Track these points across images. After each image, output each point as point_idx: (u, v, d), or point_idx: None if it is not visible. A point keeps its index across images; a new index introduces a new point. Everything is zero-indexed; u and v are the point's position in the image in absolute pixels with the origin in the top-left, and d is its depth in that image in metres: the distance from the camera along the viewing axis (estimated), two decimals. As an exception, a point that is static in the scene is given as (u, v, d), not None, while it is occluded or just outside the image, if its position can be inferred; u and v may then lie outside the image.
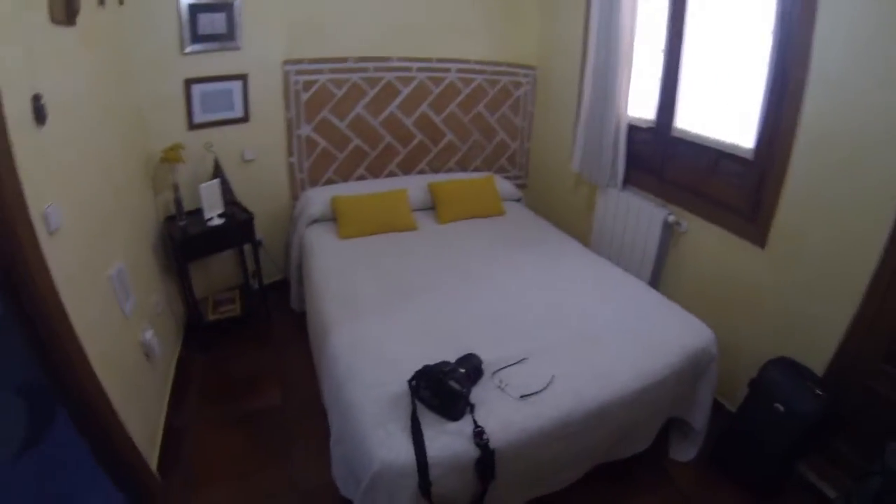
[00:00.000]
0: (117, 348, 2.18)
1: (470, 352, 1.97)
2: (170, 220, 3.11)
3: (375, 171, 3.78)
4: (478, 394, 1.84)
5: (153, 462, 2.28)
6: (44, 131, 1.74)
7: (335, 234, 3.12)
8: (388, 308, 2.39)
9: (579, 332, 2.23)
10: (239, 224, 3.06)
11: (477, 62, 3.80)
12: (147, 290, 2.71)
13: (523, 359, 2.03)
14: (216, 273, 3.50)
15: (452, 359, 1.90)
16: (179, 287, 3.22)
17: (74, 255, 1.90)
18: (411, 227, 3.23)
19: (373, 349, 2.08)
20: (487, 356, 1.97)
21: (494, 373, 1.95)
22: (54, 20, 1.87)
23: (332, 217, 3.23)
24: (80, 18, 2.06)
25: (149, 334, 2.51)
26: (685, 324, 2.33)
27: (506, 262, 2.85)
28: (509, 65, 3.91)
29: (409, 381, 1.82)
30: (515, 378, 1.92)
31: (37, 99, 1.69)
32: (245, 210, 3.17)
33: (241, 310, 3.29)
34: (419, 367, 1.82)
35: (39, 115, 1.70)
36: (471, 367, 1.89)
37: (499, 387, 1.89)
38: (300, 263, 3.21)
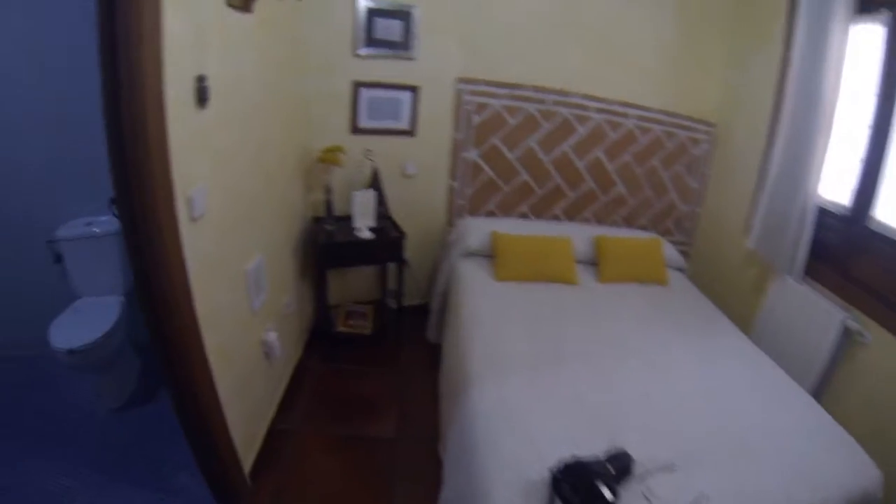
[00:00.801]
0: (237, 342, 2.09)
1: (619, 444, 1.69)
2: (317, 221, 3.02)
3: (539, 211, 3.50)
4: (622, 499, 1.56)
5: (247, 464, 2.19)
6: (203, 113, 1.67)
7: (490, 273, 2.87)
8: (537, 373, 2.10)
9: (732, 440, 1.88)
10: (389, 241, 2.89)
11: (658, 111, 3.44)
12: (280, 288, 2.61)
13: (672, 465, 1.70)
14: (354, 283, 3.37)
15: (598, 447, 1.66)
16: (313, 290, 3.10)
17: (214, 242, 1.82)
18: (571, 281, 2.91)
19: (516, 420, 1.83)
20: (635, 450, 1.68)
21: (642, 477, 1.64)
22: (230, 4, 1.83)
23: (490, 253, 2.97)
24: (257, 6, 2.03)
25: (272, 336, 2.41)
26: (849, 455, 1.89)
27: (663, 340, 2.48)
28: (688, 118, 3.50)
29: (553, 473, 1.53)
30: (662, 488, 1.62)
31: (201, 80, 1.63)
32: (397, 227, 3.00)
33: (373, 328, 3.13)
34: (562, 451, 1.60)
35: (202, 96, 1.64)
36: (621, 468, 1.61)
37: (645, 496, 1.59)
38: (446, 294, 2.99)
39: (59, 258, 2.76)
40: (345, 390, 2.86)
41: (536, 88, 3.21)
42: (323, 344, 3.10)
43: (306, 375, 2.90)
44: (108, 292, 2.77)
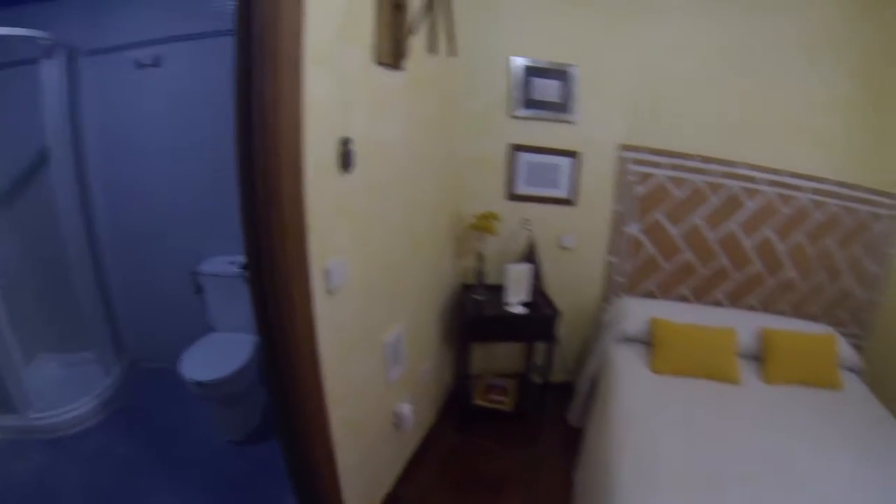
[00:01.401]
0: (367, 415, 2.00)
1: None
2: (467, 288, 2.91)
3: (700, 293, 3.21)
4: None
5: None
6: (347, 178, 1.58)
7: (646, 362, 2.63)
8: (693, 496, 1.83)
9: None
10: (541, 319, 2.71)
11: (835, 182, 3.05)
12: (420, 356, 2.52)
13: None
14: (498, 354, 3.23)
15: None
16: (455, 357, 2.98)
17: (352, 314, 1.74)
18: (733, 380, 2.60)
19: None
20: None
21: None
22: (379, 61, 1.74)
23: (647, 341, 2.74)
24: (408, 63, 1.94)
25: (406, 408, 2.32)
26: None
27: (838, 468, 2.09)
28: (870, 190, 3.09)
29: None
30: None
31: (345, 143, 1.55)
32: (550, 304, 2.81)
33: (512, 405, 2.96)
34: None
35: (346, 160, 1.56)
36: None
37: None
38: (595, 379, 2.77)
39: (199, 289, 3.00)
40: (473, 465, 2.70)
41: (704, 158, 2.95)
42: (458, 414, 2.97)
43: (435, 444, 2.78)
44: (243, 330, 2.83)
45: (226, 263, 2.91)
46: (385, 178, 1.94)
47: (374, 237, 1.90)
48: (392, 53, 1.85)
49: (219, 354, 2.69)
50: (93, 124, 3.09)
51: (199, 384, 2.49)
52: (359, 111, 1.66)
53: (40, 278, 3.36)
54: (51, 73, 2.77)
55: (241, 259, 2.72)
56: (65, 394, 3.09)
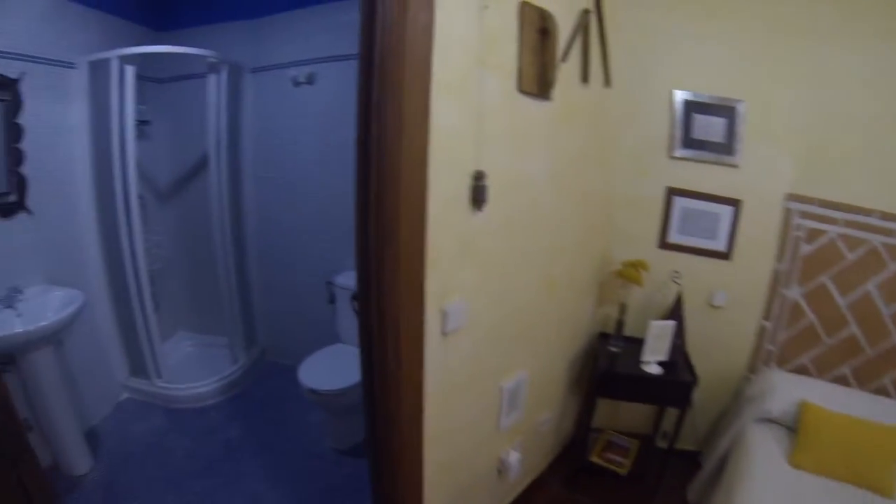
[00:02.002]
0: (469, 459, 1.90)
1: None
2: (603, 337, 2.73)
3: (863, 378, 2.72)
4: None
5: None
6: (477, 216, 1.47)
7: (786, 452, 2.27)
8: None
9: None
10: (677, 384, 2.47)
11: None
12: (541, 404, 2.38)
13: None
14: (624, 409, 3.00)
15: None
16: (578, 407, 2.83)
17: (468, 357, 1.63)
18: (887, 492, 2.13)
19: None
20: None
21: None
22: (522, 90, 1.61)
23: (792, 426, 2.40)
24: (557, 92, 1.80)
25: (514, 456, 2.19)
26: None
27: None
28: None
29: None
30: None
31: (478, 177, 1.44)
32: (690, 368, 2.55)
33: (630, 468, 2.74)
34: None
35: (478, 196, 1.45)
36: None
37: None
38: (725, 456, 2.48)
39: (332, 299, 3.16)
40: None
41: (885, 215, 2.52)
42: (570, 467, 2.80)
43: (539, 495, 2.63)
44: None
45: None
46: (521, 216, 1.83)
47: (503, 278, 1.80)
48: (537, 82, 1.73)
49: (338, 366, 2.76)
50: (250, 134, 3.40)
51: (313, 391, 2.59)
52: (496, 143, 1.57)
53: (189, 265, 3.79)
54: (215, 87, 3.03)
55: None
56: (192, 371, 3.44)
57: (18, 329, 2.24)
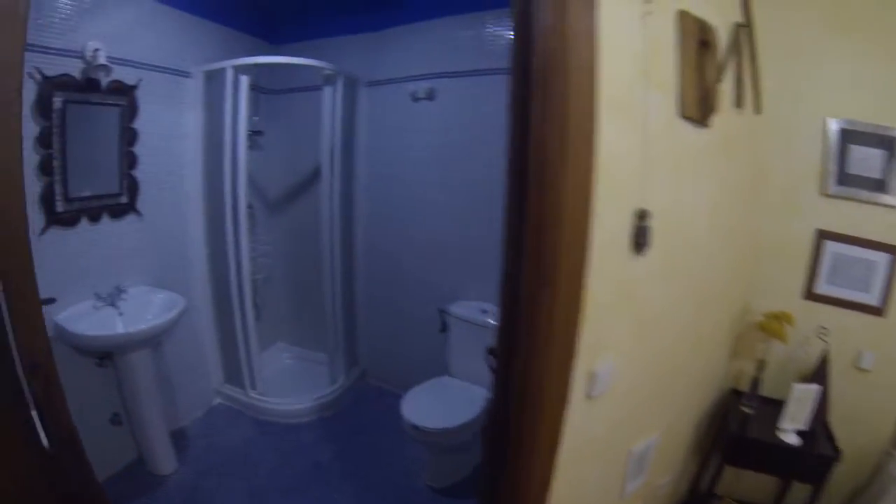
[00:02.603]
0: None
1: None
2: (736, 395, 2.41)
3: None
4: None
5: None
6: (638, 261, 1.26)
7: None
8: None
9: None
10: (815, 457, 2.11)
11: None
12: (663, 467, 2.11)
13: None
14: (745, 476, 2.62)
15: None
16: (698, 468, 2.50)
17: (608, 424, 1.43)
18: None
19: None
20: None
21: None
22: (685, 115, 1.38)
23: None
24: (716, 119, 1.56)
25: None
26: None
27: None
28: None
29: None
30: None
31: (642, 216, 1.24)
32: (831, 440, 2.18)
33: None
34: None
35: (640, 238, 1.23)
36: None
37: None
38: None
39: (444, 328, 2.98)
40: None
41: None
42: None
43: None
44: (479, 382, 2.69)
45: (477, 310, 2.84)
46: (678, 261, 1.61)
47: (655, 333, 1.58)
48: (699, 106, 1.50)
49: (445, 403, 2.60)
50: (364, 148, 3.33)
51: (416, 428, 2.42)
52: (658, 177, 1.35)
53: (294, 277, 3.78)
54: (330, 99, 2.99)
55: (493, 311, 2.72)
56: (287, 385, 3.42)
57: (119, 330, 2.28)
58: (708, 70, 1.54)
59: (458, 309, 2.88)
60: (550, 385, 1.14)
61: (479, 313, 2.77)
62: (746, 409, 2.26)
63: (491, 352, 1.36)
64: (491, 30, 2.72)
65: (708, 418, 2.41)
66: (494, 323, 2.57)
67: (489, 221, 2.68)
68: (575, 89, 1.01)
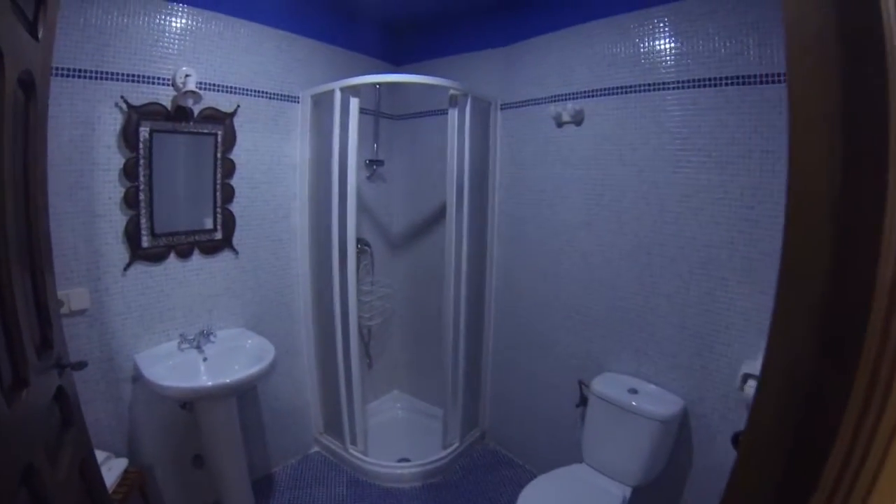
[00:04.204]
0: None
1: None
2: None
3: None
4: None
5: None
6: None
7: None
8: None
9: None
10: None
11: None
12: None
13: None
14: None
15: None
16: None
17: None
18: None
19: None
20: None
21: None
22: None
23: None
24: None
25: None
26: None
27: None
28: None
29: None
30: None
31: None
32: None
33: None
34: None
35: None
36: None
37: None
38: None
39: (583, 402, 2.44)
40: None
41: None
42: None
43: None
44: (614, 476, 2.14)
45: (625, 388, 2.22)
46: None
47: None
48: None
49: (575, 500, 2.03)
50: (500, 181, 2.87)
51: None
52: None
53: (415, 322, 3.44)
54: (457, 123, 2.57)
55: (648, 390, 2.14)
56: (394, 440, 3.09)
57: (194, 383, 2.03)
58: None
59: (602, 384, 2.27)
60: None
61: (626, 393, 2.17)
62: None
63: (735, 438, 0.83)
64: (661, 34, 2.09)
65: None
66: (646, 409, 2.05)
67: (651, 280, 2.19)
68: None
